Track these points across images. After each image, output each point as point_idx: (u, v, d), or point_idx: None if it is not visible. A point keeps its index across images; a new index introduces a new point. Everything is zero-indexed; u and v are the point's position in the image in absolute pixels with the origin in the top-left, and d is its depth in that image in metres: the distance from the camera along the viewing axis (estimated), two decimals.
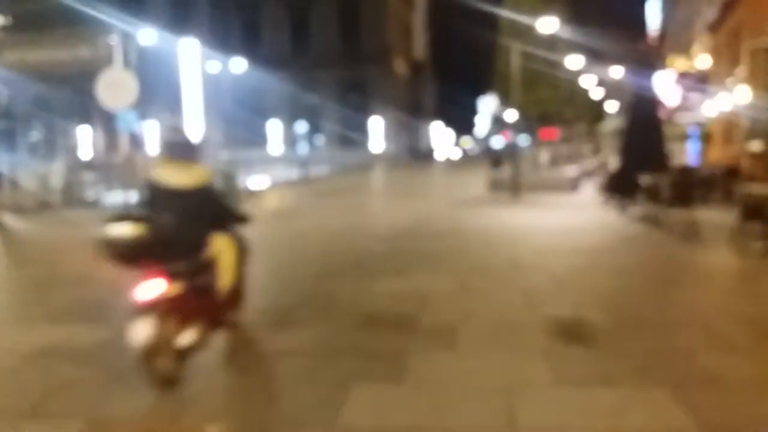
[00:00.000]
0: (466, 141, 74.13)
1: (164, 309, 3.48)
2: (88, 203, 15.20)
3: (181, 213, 3.72)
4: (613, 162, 15.19)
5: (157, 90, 36.53)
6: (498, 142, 49.15)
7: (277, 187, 21.28)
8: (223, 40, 43.44)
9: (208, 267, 3.93)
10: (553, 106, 24.23)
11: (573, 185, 17.18)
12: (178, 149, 3.93)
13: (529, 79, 19.67)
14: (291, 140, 44.44)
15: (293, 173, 24.74)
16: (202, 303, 3.82)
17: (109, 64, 13.18)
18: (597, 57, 34.35)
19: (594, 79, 37.60)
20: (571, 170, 20.03)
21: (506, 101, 27.15)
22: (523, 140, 20.79)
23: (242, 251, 4.39)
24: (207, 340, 3.86)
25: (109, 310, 5.12)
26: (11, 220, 12.75)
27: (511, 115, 30.76)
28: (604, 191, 13.11)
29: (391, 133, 46.95)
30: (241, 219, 4.33)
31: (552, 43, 21.82)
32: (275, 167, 24.24)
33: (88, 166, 18.30)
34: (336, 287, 5.99)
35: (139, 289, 3.47)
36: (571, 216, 11.21)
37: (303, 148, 26.31)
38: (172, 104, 39.71)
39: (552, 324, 4.61)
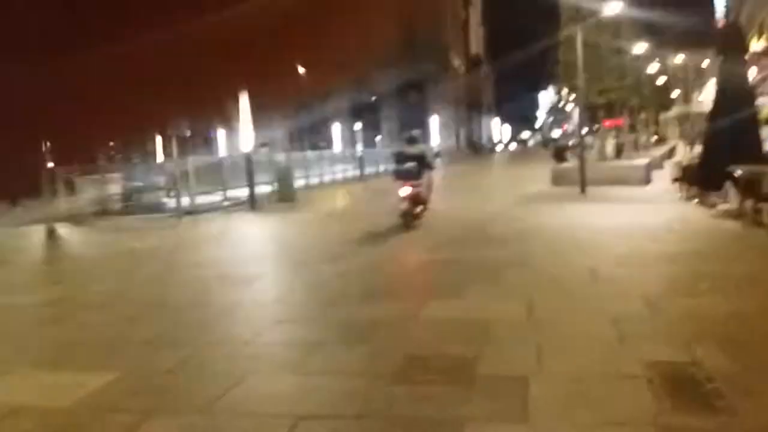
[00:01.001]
0: (526, 134, 71.63)
1: (410, 197, 9.09)
2: (149, 209, 14.62)
3: (416, 161, 9.42)
4: (686, 151, 13.40)
5: None
6: (559, 134, 46.86)
7: (333, 186, 20.35)
8: None
9: (424, 183, 9.55)
10: (618, 94, 22.26)
11: (644, 177, 15.36)
12: (412, 140, 9.87)
13: (592, 67, 17.88)
14: (352, 139, 43.68)
15: (352, 172, 23.82)
16: (421, 197, 9.43)
17: None
18: (662, 42, 31.84)
19: (658, 66, 35.00)
20: (640, 161, 18.14)
21: (568, 92, 25.38)
22: (587, 131, 19.09)
23: (431, 180, 10.07)
24: (422, 211, 9.40)
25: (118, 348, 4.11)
26: (66, 230, 12.23)
27: (573, 106, 28.80)
28: (682, 184, 11.41)
29: (450, 129, 45.47)
30: (432, 167, 10.18)
31: (617, 28, 19.94)
32: (336, 166, 23.34)
33: (149, 172, 17.87)
34: (374, 312, 4.80)
35: (401, 190, 9.07)
36: (649, 213, 9.64)
37: (360, 147, 25.44)
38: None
39: (660, 374, 3.27)
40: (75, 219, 13.34)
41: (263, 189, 15.87)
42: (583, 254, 6.59)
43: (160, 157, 30.38)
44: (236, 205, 14.61)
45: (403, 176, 9.22)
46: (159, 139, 33.12)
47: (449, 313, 4.67)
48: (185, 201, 13.51)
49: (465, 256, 6.88)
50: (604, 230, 8.14)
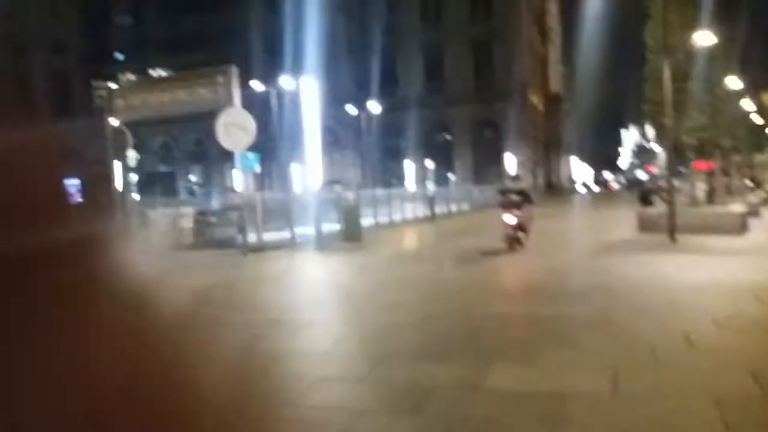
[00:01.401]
0: (608, 174, 69.23)
1: (514, 224, 10.91)
2: (219, 244, 14.69)
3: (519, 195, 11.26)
4: None
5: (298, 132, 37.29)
6: (644, 175, 44.82)
7: (403, 226, 19.94)
8: (362, 84, 43.73)
9: (525, 213, 11.16)
10: (710, 134, 20.84)
11: (740, 226, 14.04)
12: (516, 177, 13.11)
13: (681, 104, 16.80)
14: (425, 178, 43.41)
15: (423, 211, 23.37)
16: (523, 224, 11.12)
17: (229, 105, 12.63)
18: (759, 78, 29.95)
19: (753, 104, 32.92)
20: (735, 207, 16.73)
21: (654, 130, 24.13)
22: (675, 173, 17.79)
23: (531, 212, 11.55)
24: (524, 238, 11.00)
25: None
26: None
27: (660, 146, 27.35)
28: None
29: (527, 168, 44.40)
30: (531, 201, 11.60)
31: (709, 62, 18.76)
32: (407, 205, 22.96)
33: (222, 207, 18.11)
34: (431, 375, 4.27)
35: (506, 217, 10.97)
36: (751, 267, 8.62)
37: (432, 185, 25.03)
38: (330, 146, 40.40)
39: None
40: (143, 251, 13.54)
41: (330, 227, 15.69)
42: (676, 315, 5.80)
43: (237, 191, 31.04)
44: (302, 243, 14.45)
45: (507, 206, 11.16)
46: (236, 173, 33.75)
47: (518, 383, 4.08)
48: (252, 237, 13.46)
49: (540, 311, 6.24)
50: (699, 286, 7.25)
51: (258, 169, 14.08)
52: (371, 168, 43.74)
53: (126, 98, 13.15)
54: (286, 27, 39.68)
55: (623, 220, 15.80)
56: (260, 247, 13.19)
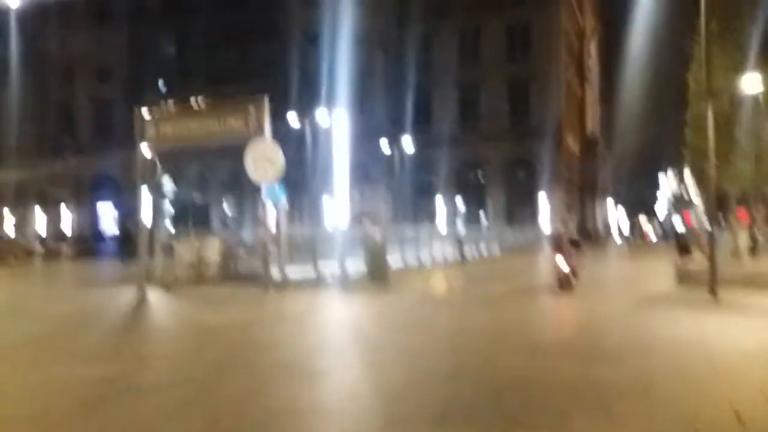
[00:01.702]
0: (644, 221, 67.80)
1: (564, 266, 11.63)
2: (244, 278, 14.54)
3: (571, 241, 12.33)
4: None
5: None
6: (682, 223, 43.69)
7: (431, 267, 19.53)
8: (396, 120, 43.89)
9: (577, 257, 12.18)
10: (754, 183, 20.10)
11: None
12: (566, 225, 14.42)
13: (724, 150, 16.22)
14: (455, 216, 43.02)
15: (453, 251, 22.92)
16: (573, 266, 11.76)
17: (259, 136, 12.58)
18: None
19: None
20: None
21: (694, 177, 23.38)
22: (716, 223, 17.00)
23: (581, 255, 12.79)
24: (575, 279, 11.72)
25: None
26: (155, 295, 12.27)
27: (699, 193, 26.52)
28: None
29: (562, 211, 43.61)
30: (579, 246, 12.79)
31: (754, 107, 18.17)
32: (437, 244, 22.56)
33: (248, 240, 18.04)
34: None
35: (557, 258, 11.76)
36: None
37: (462, 226, 24.59)
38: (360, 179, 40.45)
39: None
40: (167, 284, 13.44)
41: (357, 265, 15.43)
42: (722, 385, 5.31)
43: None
44: (327, 281, 14.19)
45: (560, 250, 11.99)
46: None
47: None
48: (276, 272, 13.25)
49: (572, 371, 5.80)
50: (744, 351, 6.71)
51: (285, 201, 13.95)
52: (402, 204, 43.54)
53: (158, 128, 13.20)
54: (323, 60, 40.24)
55: (660, 271, 15.17)
56: (283, 284, 12.96)
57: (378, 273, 14.76)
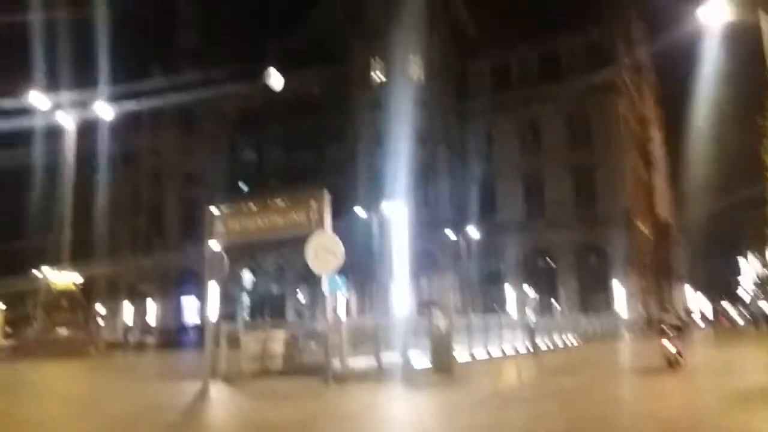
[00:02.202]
0: (727, 305, 62.82)
1: (671, 349, 12.76)
2: (309, 370, 13.89)
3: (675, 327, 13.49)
4: None
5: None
6: None
7: (500, 359, 18.23)
8: (461, 209, 43.55)
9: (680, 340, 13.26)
10: None
11: None
12: (666, 309, 18.02)
13: None
14: (525, 304, 41.20)
15: (524, 341, 21.45)
16: (679, 349, 12.80)
17: (320, 229, 12.32)
18: None
19: None
20: None
21: None
22: None
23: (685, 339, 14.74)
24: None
25: None
26: (217, 390, 11.78)
27: None
28: None
29: (637, 298, 41.08)
30: (682, 329, 14.28)
31: None
32: (507, 333, 21.22)
33: (311, 331, 17.49)
34: None
35: (664, 341, 12.95)
36: None
37: (532, 314, 23.12)
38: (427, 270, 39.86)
39: None
40: (231, 377, 12.97)
41: (420, 355, 14.53)
42: None
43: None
44: (390, 372, 13.31)
45: (667, 335, 12.81)
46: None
47: None
48: (338, 364, 12.55)
49: None
50: None
51: (345, 291, 13.47)
52: (470, 292, 42.25)
53: (226, 224, 13.26)
54: (390, 158, 40.95)
55: (750, 362, 13.44)
56: (344, 377, 12.21)
57: (443, 364, 13.80)
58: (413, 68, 45.64)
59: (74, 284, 24.36)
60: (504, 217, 44.51)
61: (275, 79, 48.02)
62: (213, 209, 13.52)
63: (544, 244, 43.85)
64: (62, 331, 23.27)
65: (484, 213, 43.43)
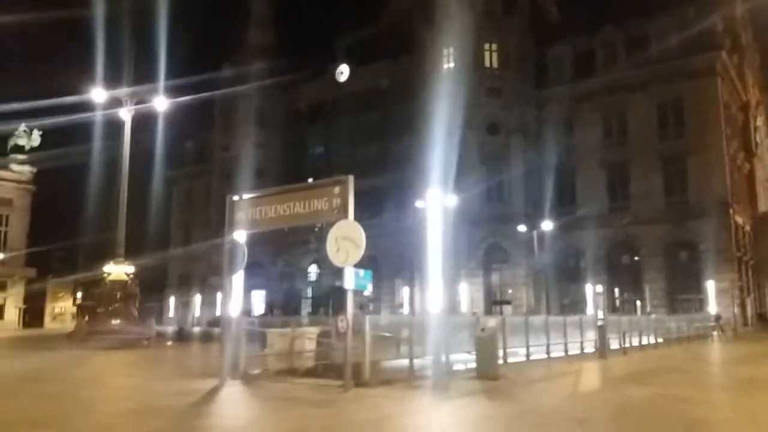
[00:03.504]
0: None
1: None
2: (340, 371, 12.48)
3: None
4: None
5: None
6: None
7: (563, 362, 16.07)
8: (538, 203, 40.91)
9: None
10: None
11: None
12: None
13: None
14: (610, 304, 38.04)
15: (600, 342, 19.04)
16: None
17: (342, 216, 10.90)
18: None
19: None
20: None
21: None
22: None
23: None
24: None
25: None
26: (230, 390, 10.64)
27: None
28: None
29: (733, 296, 36.88)
30: None
31: None
32: (582, 333, 18.96)
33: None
34: None
35: None
36: None
37: (601, 313, 20.51)
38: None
39: None
40: (251, 377, 11.83)
41: (461, 358, 12.82)
42: None
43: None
44: (424, 377, 11.68)
45: None
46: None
47: None
48: (364, 367, 11.06)
49: None
50: None
51: (370, 288, 12.04)
52: (545, 289, 39.55)
53: (247, 212, 12.15)
54: (460, 148, 39.03)
55: None
56: (366, 381, 10.72)
57: (487, 370, 12.01)
58: (487, 56, 43.38)
59: (127, 275, 24.37)
60: (584, 210, 41.38)
61: (344, 73, 47.36)
62: (233, 197, 12.47)
63: (628, 239, 40.44)
64: (116, 322, 23.30)
65: (562, 206, 40.56)
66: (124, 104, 24.60)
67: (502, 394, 10.48)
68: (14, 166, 50.22)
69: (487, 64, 43.33)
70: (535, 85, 43.63)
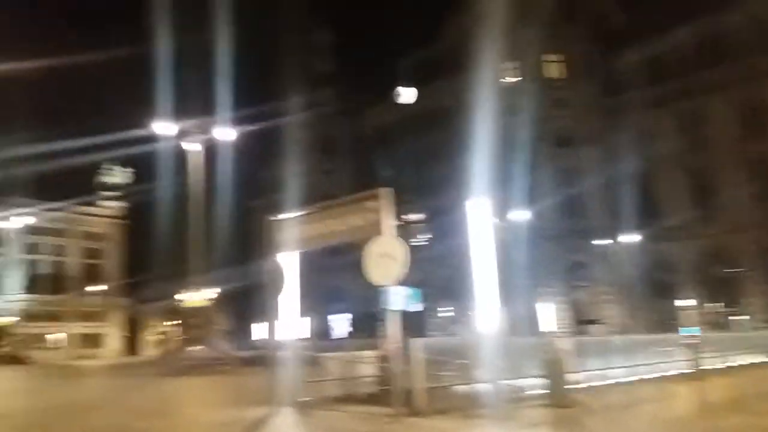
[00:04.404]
0: None
1: None
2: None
3: None
4: None
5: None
6: None
7: (653, 382, 14.24)
8: (616, 216, 38.37)
9: None
10: None
11: None
12: None
13: None
14: (705, 320, 34.73)
15: (693, 362, 16.85)
16: None
17: (379, 233, 10.06)
18: None
19: None
20: None
21: None
22: None
23: None
24: None
25: None
26: (281, 418, 9.95)
27: None
28: None
29: None
30: None
31: None
32: (672, 353, 16.91)
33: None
34: None
35: None
36: None
37: (695, 329, 18.30)
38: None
39: None
40: (303, 404, 11.07)
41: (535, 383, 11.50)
42: None
43: None
44: (490, 402, 10.46)
45: None
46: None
47: None
48: (418, 393, 10.03)
49: None
50: None
51: (419, 307, 11.04)
52: (635, 306, 36.74)
53: (286, 232, 11.59)
54: (528, 163, 37.40)
55: None
56: (421, 410, 9.68)
57: (558, 396, 10.65)
58: (551, 67, 41.70)
59: (208, 301, 24.55)
60: (667, 221, 38.34)
61: (403, 95, 46.98)
62: (272, 221, 11.94)
63: (722, 250, 36.99)
64: (197, 348, 23.42)
65: (644, 218, 37.81)
66: (189, 136, 25.14)
67: (572, 424, 9.15)
68: (106, 202, 53.16)
69: (552, 75, 41.60)
70: (604, 93, 41.35)
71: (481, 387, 10.96)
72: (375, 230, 9.98)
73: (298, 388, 11.49)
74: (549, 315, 36.39)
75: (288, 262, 11.75)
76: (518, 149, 38.60)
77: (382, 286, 9.89)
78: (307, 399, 11.47)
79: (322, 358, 13.09)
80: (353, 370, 12.80)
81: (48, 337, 48.21)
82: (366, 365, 13.05)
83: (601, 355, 14.26)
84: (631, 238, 35.89)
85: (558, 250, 37.60)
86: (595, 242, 36.70)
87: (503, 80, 41.51)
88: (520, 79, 40.76)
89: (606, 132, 40.86)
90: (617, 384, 14.01)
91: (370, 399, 11.60)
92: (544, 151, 39.40)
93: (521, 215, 34.99)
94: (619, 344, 15.38)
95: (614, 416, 10.10)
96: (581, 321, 36.73)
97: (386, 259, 9.76)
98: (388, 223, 9.97)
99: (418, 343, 10.09)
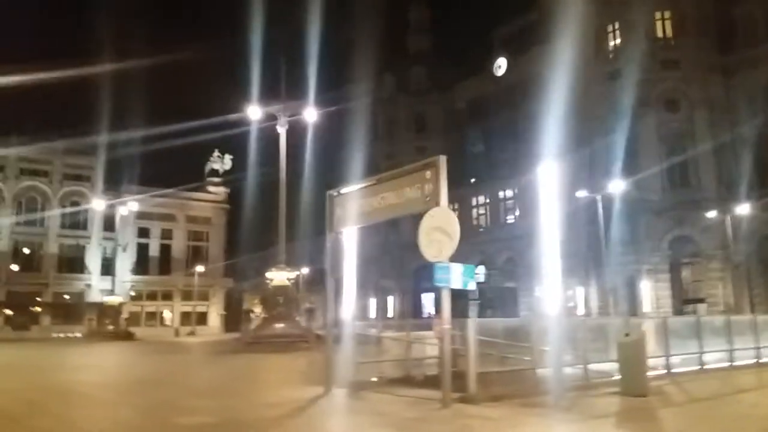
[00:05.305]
0: None
1: None
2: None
3: None
4: None
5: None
6: None
7: (743, 369, 12.55)
8: (729, 185, 34.62)
9: None
10: None
11: None
12: None
13: None
14: None
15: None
16: None
17: (434, 204, 9.39)
18: None
19: None
20: None
21: None
22: None
23: None
24: None
25: None
26: (332, 400, 9.73)
27: None
28: None
29: None
30: None
31: None
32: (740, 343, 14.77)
33: None
34: None
35: None
36: None
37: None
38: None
39: None
40: (359, 385, 10.76)
41: (603, 367, 10.45)
42: None
43: None
44: (546, 393, 9.59)
45: None
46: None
47: None
48: (471, 380, 9.37)
49: None
50: None
51: (473, 285, 10.27)
52: (747, 285, 33.21)
53: (345, 207, 11.21)
54: (631, 131, 34.64)
55: None
56: (472, 396, 9.02)
57: (632, 385, 9.55)
58: (659, 26, 38.04)
59: (289, 280, 24.99)
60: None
61: (502, 67, 45.06)
62: (332, 192, 11.61)
63: None
64: (279, 326, 23.94)
65: (758, 188, 33.80)
66: (282, 120, 25.54)
67: (642, 417, 8.10)
68: (211, 188, 56.03)
69: (660, 34, 37.92)
70: (720, 50, 37.17)
71: (546, 372, 10.08)
72: (432, 202, 9.34)
73: (355, 369, 11.22)
74: (650, 294, 33.77)
75: (349, 238, 11.44)
76: (622, 115, 35.77)
77: (437, 263, 9.28)
78: (363, 380, 11.17)
79: (383, 339, 12.74)
80: (416, 351, 12.36)
81: (155, 315, 52.00)
82: (428, 346, 12.56)
83: (695, 337, 12.76)
84: (745, 209, 32.24)
85: (663, 224, 34.64)
86: (705, 214, 33.35)
87: (605, 44, 38.64)
88: (623, 41, 37.63)
89: (722, 93, 36.85)
90: (714, 369, 12.51)
91: (427, 382, 11.09)
92: (651, 116, 36.29)
93: (622, 186, 32.53)
94: (719, 326, 13.68)
95: (696, 409, 8.85)
96: (686, 300, 33.71)
97: (439, 233, 9.10)
98: (444, 194, 9.30)
99: (471, 324, 9.40)
